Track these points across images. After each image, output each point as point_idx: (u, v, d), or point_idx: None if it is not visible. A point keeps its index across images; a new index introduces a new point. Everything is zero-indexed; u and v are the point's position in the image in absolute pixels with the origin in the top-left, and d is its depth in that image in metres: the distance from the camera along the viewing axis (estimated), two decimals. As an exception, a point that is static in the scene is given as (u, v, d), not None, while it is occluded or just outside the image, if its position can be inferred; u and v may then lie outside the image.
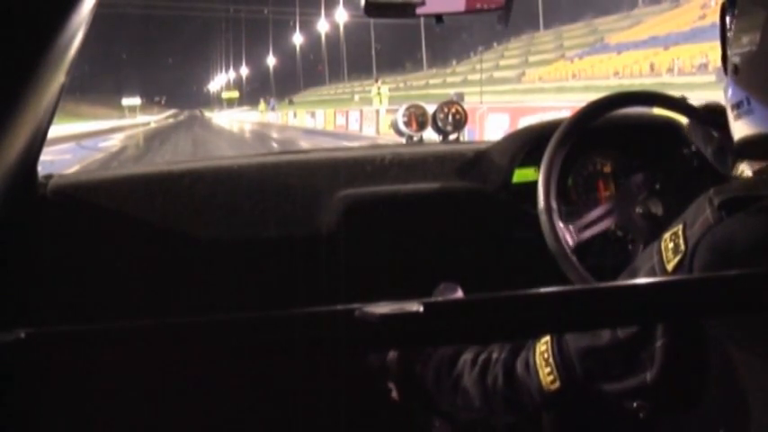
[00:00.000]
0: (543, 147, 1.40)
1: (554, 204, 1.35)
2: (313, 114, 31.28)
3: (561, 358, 1.04)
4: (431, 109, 2.11)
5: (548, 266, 1.32)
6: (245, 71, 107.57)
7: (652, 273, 0.96)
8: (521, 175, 1.55)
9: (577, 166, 1.56)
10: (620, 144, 1.58)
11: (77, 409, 1.30)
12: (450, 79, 44.65)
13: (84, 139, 26.06)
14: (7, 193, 0.90)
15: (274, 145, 21.98)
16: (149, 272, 1.41)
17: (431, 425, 1.37)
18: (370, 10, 1.16)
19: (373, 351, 1.21)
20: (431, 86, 44.74)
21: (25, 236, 1.32)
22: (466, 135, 2.40)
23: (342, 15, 57.28)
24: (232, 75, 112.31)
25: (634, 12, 38.47)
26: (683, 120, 1.40)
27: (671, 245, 0.94)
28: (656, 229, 1.33)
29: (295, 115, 37.05)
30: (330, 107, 33.63)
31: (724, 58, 1.03)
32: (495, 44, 49.92)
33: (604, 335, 1.00)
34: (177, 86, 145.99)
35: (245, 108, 74.49)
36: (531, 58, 40.86)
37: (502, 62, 43.74)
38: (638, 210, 1.41)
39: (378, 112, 20.66)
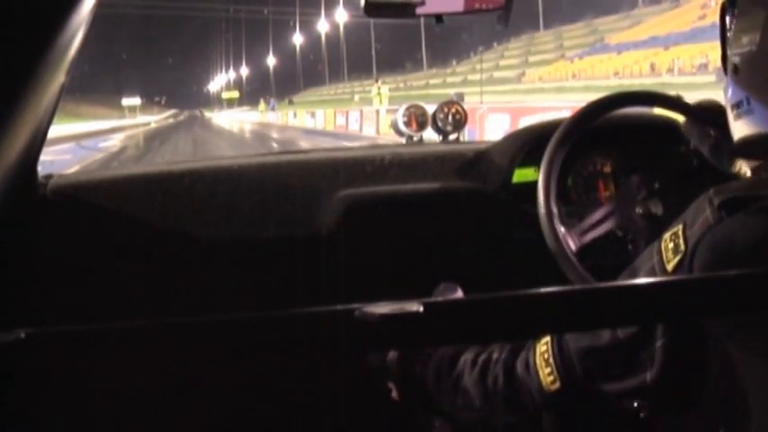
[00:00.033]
0: (543, 147, 1.40)
1: (554, 205, 1.35)
2: (313, 114, 31.28)
3: (561, 358, 1.04)
4: (431, 109, 2.11)
5: (548, 266, 1.32)
6: (245, 71, 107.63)
7: (652, 273, 0.96)
8: (521, 175, 1.55)
9: (577, 166, 1.56)
10: (620, 144, 1.58)
11: (77, 409, 1.29)
12: (450, 79, 44.66)
13: (84, 140, 26.06)
14: (7, 193, 0.90)
15: (274, 145, 21.98)
16: (149, 272, 1.41)
17: (431, 425, 1.37)
18: (370, 10, 1.16)
19: (373, 351, 1.21)
20: (431, 86, 44.75)
21: (25, 236, 1.32)
22: (466, 135, 2.40)
23: (342, 15, 57.31)
24: (232, 75, 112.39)
25: (634, 12, 38.49)
26: (682, 119, 1.40)
27: (671, 245, 0.94)
28: (656, 229, 1.33)
29: (295, 115, 37.05)
30: (330, 107, 33.63)
31: (724, 58, 1.03)
32: (495, 44, 49.92)
33: (604, 335, 1.00)
34: (177, 86, 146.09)
35: (245, 108, 74.49)
36: (531, 59, 40.86)
37: (502, 62, 43.74)
38: (639, 210, 1.41)
39: (378, 112, 20.66)
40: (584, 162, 1.57)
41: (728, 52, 1.02)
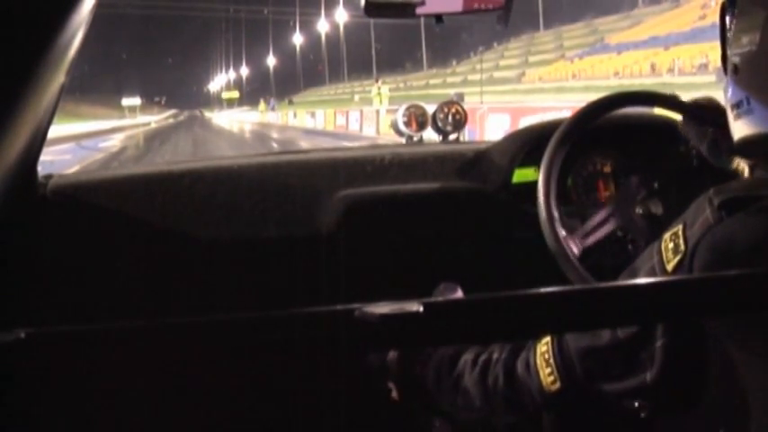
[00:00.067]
0: (543, 147, 1.40)
1: (554, 205, 1.35)
2: (313, 114, 31.28)
3: (561, 358, 1.04)
4: (431, 109, 2.11)
5: (548, 266, 1.32)
6: (245, 71, 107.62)
7: (652, 273, 0.96)
8: (521, 175, 1.55)
9: (577, 167, 1.56)
10: (620, 144, 1.58)
11: (77, 409, 1.29)
12: (450, 79, 44.65)
13: (84, 140, 26.06)
14: (7, 193, 0.90)
15: (274, 145, 21.98)
16: (149, 272, 1.40)
17: (431, 425, 1.37)
18: (370, 10, 1.16)
19: (373, 351, 1.21)
20: (431, 86, 44.75)
21: (25, 236, 1.32)
22: (466, 135, 2.40)
23: (342, 15, 57.31)
24: (232, 75, 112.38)
25: (634, 12, 38.47)
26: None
27: (671, 245, 0.94)
28: (656, 229, 1.33)
29: (295, 115, 37.05)
30: (330, 107, 33.63)
31: (724, 58, 1.03)
32: (495, 44, 49.91)
33: (604, 335, 1.00)
34: (177, 87, 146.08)
35: (246, 108, 74.49)
36: (532, 59, 40.86)
37: (502, 62, 43.73)
38: (639, 210, 1.41)
39: (378, 112, 20.67)
40: (584, 162, 1.57)
41: (728, 52, 1.02)
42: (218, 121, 55.27)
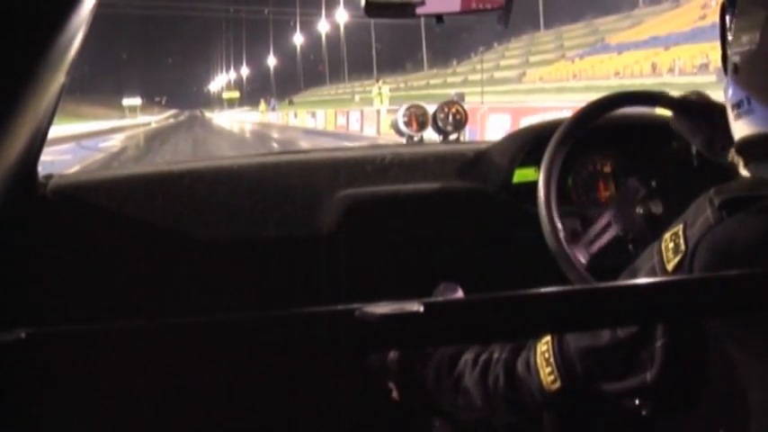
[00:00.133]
0: (543, 147, 1.40)
1: (554, 205, 1.35)
2: (314, 114, 31.28)
3: (562, 358, 1.04)
4: (431, 109, 2.11)
5: (548, 266, 1.32)
6: (245, 71, 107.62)
7: (652, 273, 0.96)
8: (521, 175, 1.55)
9: (577, 166, 1.56)
10: (620, 144, 1.58)
11: (78, 409, 1.30)
12: (450, 79, 44.65)
13: (84, 140, 26.04)
14: (7, 193, 0.91)
15: (275, 145, 21.99)
16: (149, 272, 1.41)
17: (431, 425, 1.37)
18: (370, 10, 1.16)
19: (373, 351, 1.21)
20: (431, 86, 44.75)
21: (25, 236, 1.32)
22: (467, 135, 2.40)
23: (342, 15, 57.31)
24: (232, 75, 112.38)
25: (635, 12, 38.46)
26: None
27: (671, 245, 0.94)
28: (656, 228, 1.33)
29: (296, 115, 37.05)
30: (331, 107, 33.64)
31: (724, 57, 1.03)
32: (495, 44, 49.90)
33: (605, 335, 1.00)
34: (177, 87, 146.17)
35: (246, 108, 74.50)
36: (532, 59, 40.85)
37: (502, 62, 43.72)
38: (639, 210, 1.41)
39: (378, 112, 20.67)
40: (585, 162, 1.57)
41: (728, 52, 1.02)
42: (219, 121, 55.27)
